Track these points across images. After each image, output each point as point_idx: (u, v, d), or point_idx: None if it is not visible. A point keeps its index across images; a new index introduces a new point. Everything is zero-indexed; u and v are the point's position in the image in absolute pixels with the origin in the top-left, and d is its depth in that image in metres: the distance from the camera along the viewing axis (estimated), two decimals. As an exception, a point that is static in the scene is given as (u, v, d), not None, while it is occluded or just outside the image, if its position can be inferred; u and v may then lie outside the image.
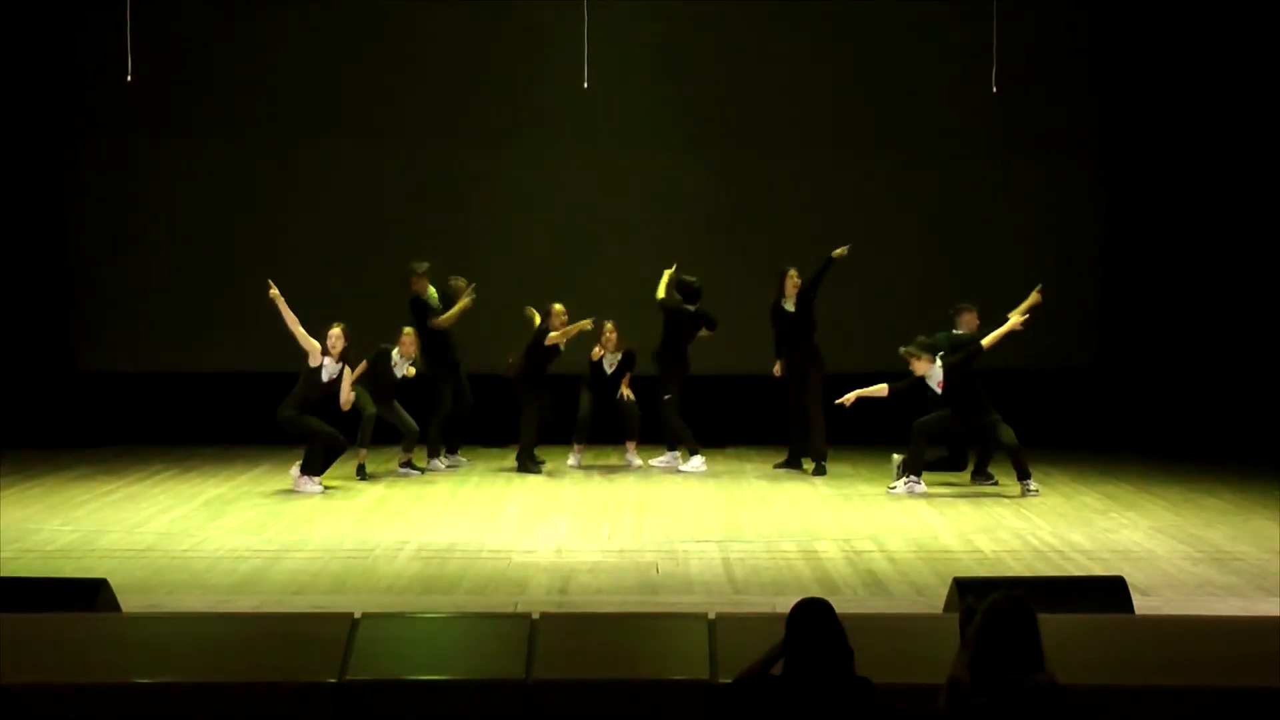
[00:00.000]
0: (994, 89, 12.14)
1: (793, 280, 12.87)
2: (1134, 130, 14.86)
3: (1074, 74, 15.07)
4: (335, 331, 11.87)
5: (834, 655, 4.94)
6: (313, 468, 11.98)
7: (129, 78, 11.41)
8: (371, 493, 12.05)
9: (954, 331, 12.35)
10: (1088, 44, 15.10)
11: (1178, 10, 14.57)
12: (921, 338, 12.01)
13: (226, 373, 14.41)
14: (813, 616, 5.01)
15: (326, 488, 12.04)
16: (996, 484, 12.26)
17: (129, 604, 7.39)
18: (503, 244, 14.81)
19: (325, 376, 11.89)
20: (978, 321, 12.40)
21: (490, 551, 9.79)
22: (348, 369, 12.01)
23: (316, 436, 11.96)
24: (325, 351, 11.86)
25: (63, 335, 14.66)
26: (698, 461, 13.20)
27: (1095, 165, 15.14)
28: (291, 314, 11.81)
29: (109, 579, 7.31)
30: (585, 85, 12.07)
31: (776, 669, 5.08)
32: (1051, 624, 4.98)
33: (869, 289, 14.46)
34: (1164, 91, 14.69)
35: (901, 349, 11.93)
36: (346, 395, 11.96)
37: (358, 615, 6.53)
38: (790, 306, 12.90)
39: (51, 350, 14.57)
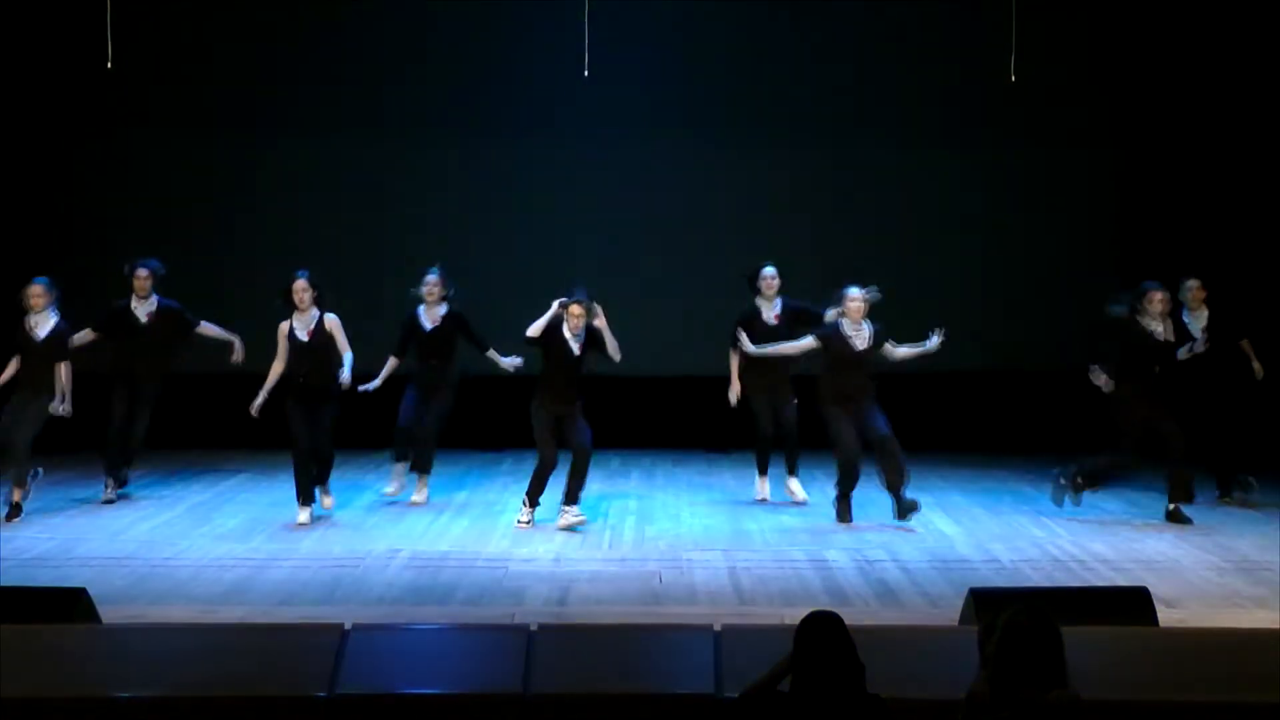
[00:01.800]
0: (1012, 78, 12.16)
1: None
2: (1152, 125, 14.89)
3: (1093, 69, 15.07)
4: (300, 284, 10.91)
5: (844, 671, 4.95)
6: (303, 496, 11.08)
7: (109, 65, 11.43)
8: (362, 499, 12.05)
9: None
10: (1106, 35, 15.11)
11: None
12: None
13: (211, 373, 14.36)
14: (822, 630, 5.02)
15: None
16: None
17: (109, 615, 7.39)
18: (497, 238, 14.82)
19: (304, 335, 10.96)
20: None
21: (486, 560, 9.79)
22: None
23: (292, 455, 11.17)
24: (293, 306, 10.94)
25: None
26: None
27: (1113, 160, 15.14)
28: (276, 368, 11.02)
29: (88, 588, 7.32)
30: (586, 73, 12.10)
31: (784, 684, 5.09)
32: (1072, 636, 4.99)
33: (880, 282, 14.50)
34: (1183, 88, 14.73)
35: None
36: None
37: (348, 626, 6.56)
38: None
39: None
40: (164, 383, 12.05)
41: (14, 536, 10.41)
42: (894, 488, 10.82)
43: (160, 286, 11.96)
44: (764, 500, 12.00)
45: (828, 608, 5.36)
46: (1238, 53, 14.47)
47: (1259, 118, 14.48)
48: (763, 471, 12.15)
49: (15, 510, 10.90)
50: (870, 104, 15.04)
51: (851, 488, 11.06)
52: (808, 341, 11.04)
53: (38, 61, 14.75)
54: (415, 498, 11.88)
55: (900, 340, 11.08)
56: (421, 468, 11.94)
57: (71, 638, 6.72)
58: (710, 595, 8.82)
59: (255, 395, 11.05)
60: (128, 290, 11.89)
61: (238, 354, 12.08)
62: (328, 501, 11.30)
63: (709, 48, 15.00)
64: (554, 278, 13.21)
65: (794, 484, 12.07)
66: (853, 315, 10.91)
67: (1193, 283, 11.74)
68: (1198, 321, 11.65)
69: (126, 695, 6.05)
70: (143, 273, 11.77)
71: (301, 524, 10.81)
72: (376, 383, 11.63)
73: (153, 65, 14.42)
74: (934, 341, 10.87)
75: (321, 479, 11.23)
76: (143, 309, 11.85)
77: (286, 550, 10.04)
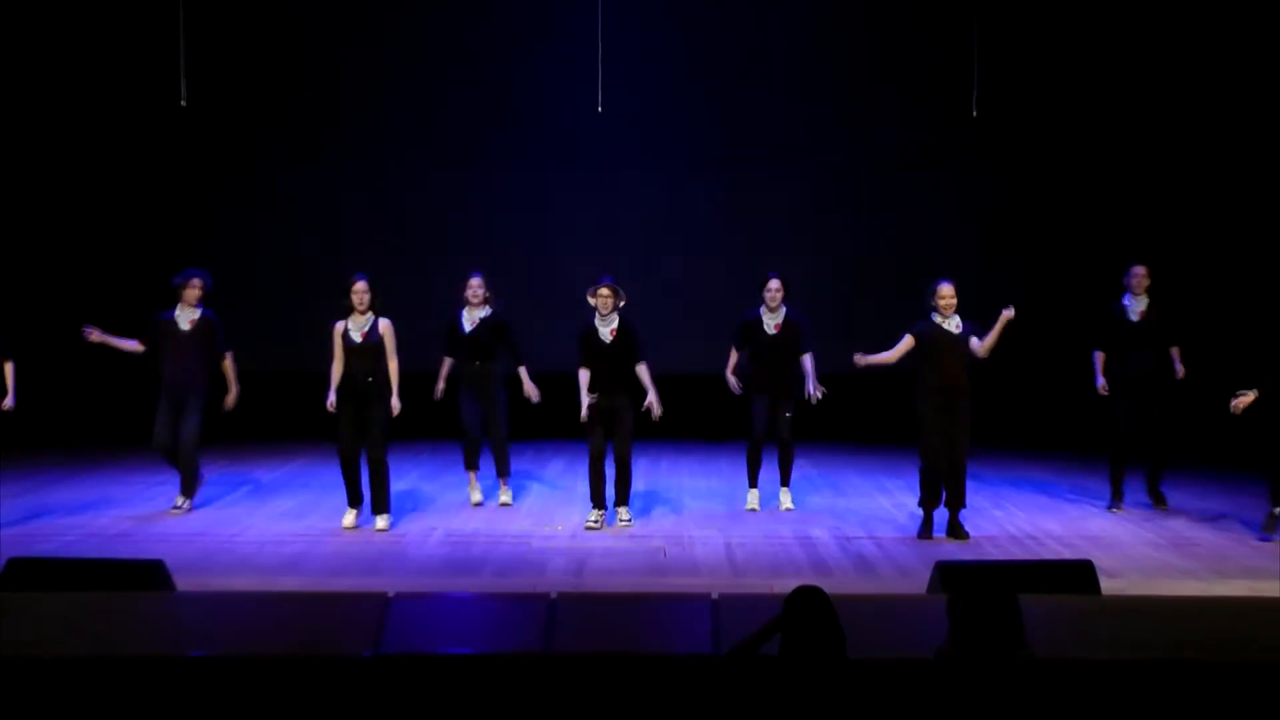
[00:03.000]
0: (974, 114, 12.20)
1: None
2: (1100, 154, 14.94)
3: (1046, 104, 15.11)
4: (360, 286, 10.00)
5: (827, 639, 4.98)
6: (351, 498, 10.22)
7: (183, 103, 11.47)
8: (403, 484, 12.06)
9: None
10: (1058, 76, 15.16)
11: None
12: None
13: (268, 372, 14.39)
14: (808, 602, 5.06)
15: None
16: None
17: (183, 584, 7.42)
18: (523, 254, 14.86)
19: (358, 337, 10.03)
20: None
21: (512, 537, 9.82)
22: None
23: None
24: (350, 309, 10.04)
25: (129, 333, 14.67)
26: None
27: (1065, 185, 15.17)
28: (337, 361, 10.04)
29: (165, 561, 7.35)
30: (600, 110, 12.15)
31: (771, 647, 5.13)
32: (1027, 604, 5.03)
33: (855, 289, 14.56)
34: (1130, 119, 14.78)
35: None
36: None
37: (391, 594, 6.57)
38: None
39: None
40: (208, 388, 10.85)
41: (100, 516, 10.50)
42: (952, 509, 9.91)
43: (208, 299, 10.91)
44: (754, 510, 10.87)
45: (812, 580, 5.41)
46: (1179, 86, 14.52)
47: (1194, 143, 14.52)
48: (753, 482, 11.04)
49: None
50: (850, 137, 15.11)
51: (933, 504, 9.90)
52: (905, 340, 9.91)
53: (117, 101, 14.84)
54: (503, 499, 11.10)
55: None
56: (502, 471, 11.14)
57: (150, 604, 6.75)
58: (708, 568, 8.85)
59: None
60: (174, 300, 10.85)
61: (230, 401, 10.93)
62: (383, 523, 10.06)
63: (707, 88, 15.07)
64: (570, 290, 13.28)
65: (785, 495, 11.04)
66: (944, 309, 9.84)
67: (1140, 269, 10.93)
68: (1138, 305, 10.91)
69: (198, 654, 6.07)
70: (196, 282, 10.77)
71: (347, 526, 10.04)
72: (440, 385, 11.08)
73: (221, 101, 14.49)
74: (1007, 313, 9.71)
75: (379, 500, 10.07)
76: (185, 317, 10.76)
77: (337, 528, 10.07)
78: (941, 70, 14.43)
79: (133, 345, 10.81)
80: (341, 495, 10.43)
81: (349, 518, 10.12)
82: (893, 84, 15.02)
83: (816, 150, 15.12)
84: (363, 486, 10.18)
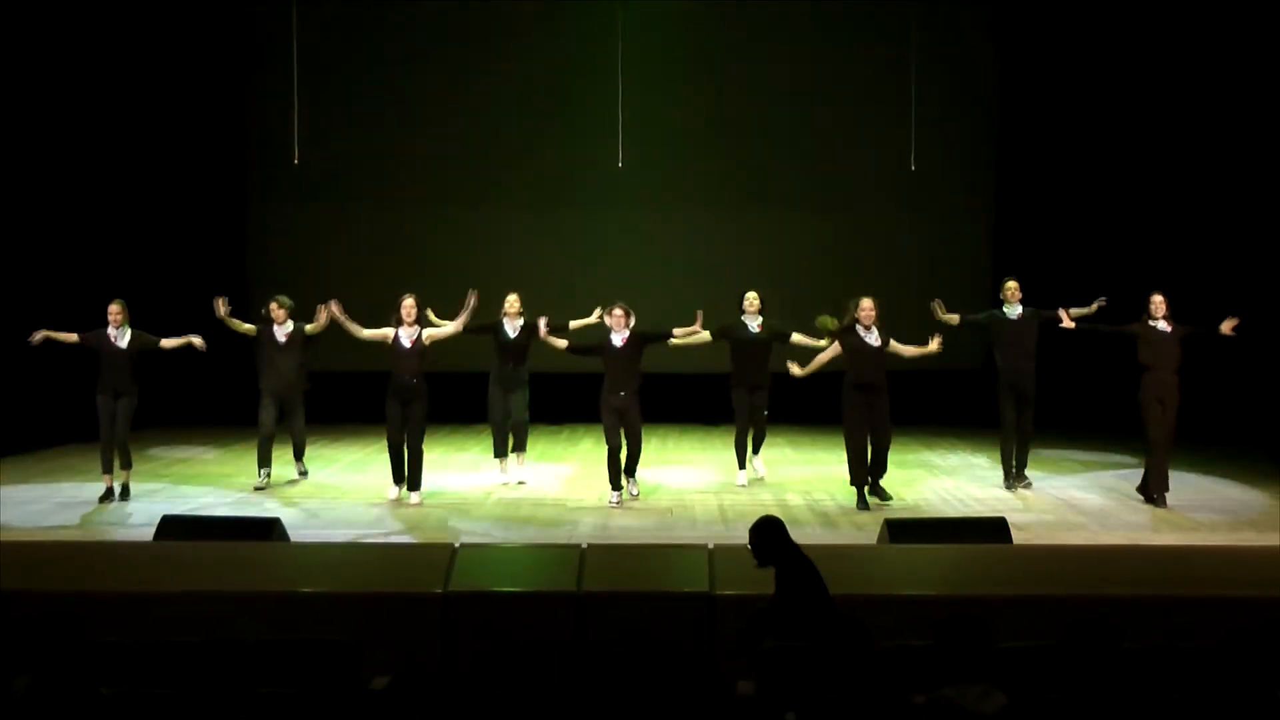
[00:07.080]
0: (913, 167, 12.24)
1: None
2: (1020, 199, 14.93)
3: (973, 155, 15.11)
4: (409, 303, 9.55)
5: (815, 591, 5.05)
6: (396, 476, 9.71)
7: (295, 162, 11.52)
8: (468, 456, 12.10)
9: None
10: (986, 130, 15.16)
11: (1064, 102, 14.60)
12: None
13: (356, 371, 14.37)
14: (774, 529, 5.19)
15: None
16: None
17: (295, 536, 7.50)
18: (554, 280, 14.88)
19: (407, 343, 9.49)
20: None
21: (551, 500, 9.86)
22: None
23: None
24: (400, 322, 9.53)
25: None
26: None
27: (986, 227, 15.19)
28: (355, 324, 9.50)
29: (280, 518, 7.43)
30: (620, 165, 12.18)
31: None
32: (951, 551, 5.07)
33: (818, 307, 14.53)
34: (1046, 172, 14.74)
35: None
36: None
37: (457, 544, 6.62)
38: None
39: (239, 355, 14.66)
40: (303, 386, 10.64)
41: (229, 485, 10.55)
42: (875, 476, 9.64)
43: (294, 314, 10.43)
44: (744, 486, 10.44)
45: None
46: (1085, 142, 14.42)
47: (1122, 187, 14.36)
48: (743, 464, 10.60)
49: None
50: (816, 187, 15.13)
51: (861, 481, 9.44)
52: (834, 346, 9.61)
53: (242, 160, 14.93)
54: (521, 471, 10.76)
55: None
56: (521, 448, 10.83)
57: (269, 551, 6.84)
58: (706, 524, 8.87)
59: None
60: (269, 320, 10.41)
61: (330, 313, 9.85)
62: (415, 499, 9.53)
63: (708, 146, 15.08)
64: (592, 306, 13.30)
65: (759, 462, 10.84)
66: (864, 321, 9.47)
67: (1011, 283, 10.18)
68: (1013, 311, 10.13)
69: (306, 590, 6.14)
70: (275, 305, 10.35)
71: (392, 499, 9.54)
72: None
73: (326, 160, 14.53)
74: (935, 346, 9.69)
75: (414, 480, 9.53)
76: (280, 332, 10.33)
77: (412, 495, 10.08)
78: (885, 134, 14.36)
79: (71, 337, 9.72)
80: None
81: (392, 492, 9.64)
82: (852, 146, 15.01)
83: (801, 195, 15.12)
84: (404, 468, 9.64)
